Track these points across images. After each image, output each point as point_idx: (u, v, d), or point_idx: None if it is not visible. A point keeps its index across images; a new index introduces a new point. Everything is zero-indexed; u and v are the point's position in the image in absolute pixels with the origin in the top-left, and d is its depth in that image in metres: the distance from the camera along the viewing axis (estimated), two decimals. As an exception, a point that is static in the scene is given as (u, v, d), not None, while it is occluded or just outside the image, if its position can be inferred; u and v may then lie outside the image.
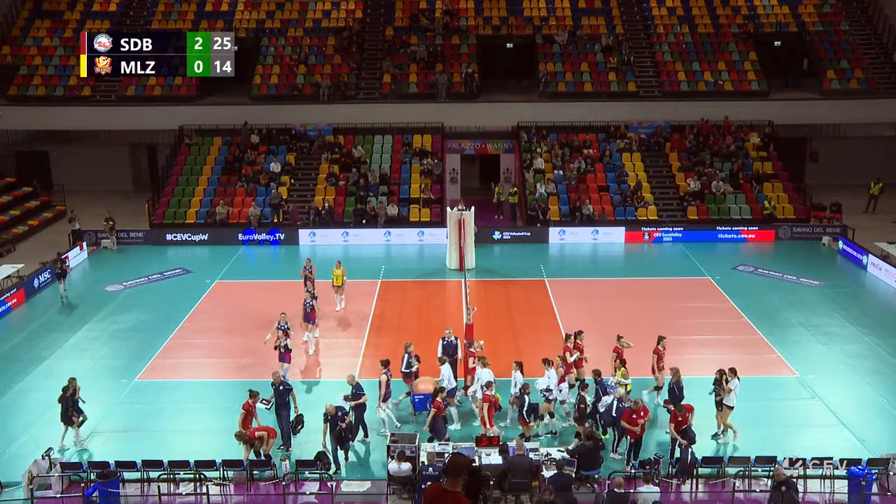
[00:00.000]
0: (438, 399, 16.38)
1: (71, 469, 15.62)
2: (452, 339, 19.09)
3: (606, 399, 16.81)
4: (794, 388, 19.45)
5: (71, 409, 16.83)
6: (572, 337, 18.84)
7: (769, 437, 16.92)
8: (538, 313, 24.53)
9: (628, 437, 16.07)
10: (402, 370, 18.32)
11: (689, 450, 15.47)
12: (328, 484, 15.49)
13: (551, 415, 17.34)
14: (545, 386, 17.20)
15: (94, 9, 41.23)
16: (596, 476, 15.32)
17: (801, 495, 15.24)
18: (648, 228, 32.08)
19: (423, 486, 14.21)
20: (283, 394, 16.65)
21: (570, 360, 18.37)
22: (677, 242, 31.62)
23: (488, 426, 16.57)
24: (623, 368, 17.82)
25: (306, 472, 15.81)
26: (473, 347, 18.60)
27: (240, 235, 31.94)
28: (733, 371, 16.99)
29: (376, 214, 32.46)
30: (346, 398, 16.77)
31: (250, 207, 32.74)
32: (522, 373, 17.47)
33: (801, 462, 15.43)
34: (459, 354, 19.10)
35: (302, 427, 16.65)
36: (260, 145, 36.12)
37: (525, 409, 16.62)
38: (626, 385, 17.44)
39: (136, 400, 19.19)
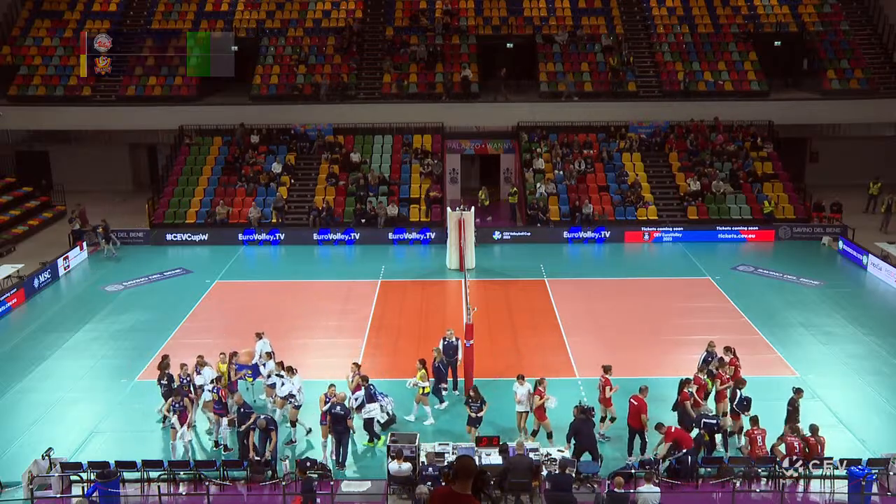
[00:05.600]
0: (686, 391, 16.70)
1: (71, 469, 15.63)
2: (453, 339, 19.10)
3: (371, 406, 16.87)
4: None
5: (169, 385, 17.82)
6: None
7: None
8: (538, 313, 24.53)
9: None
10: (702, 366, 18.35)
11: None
12: (329, 484, 15.50)
13: (294, 423, 17.23)
14: (288, 391, 17.20)
15: (94, 9, 41.23)
16: (596, 474, 15.34)
17: (800, 495, 15.28)
18: (648, 228, 32.08)
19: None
20: (244, 416, 16.43)
21: (538, 403, 17.27)
22: (677, 242, 31.61)
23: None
24: (423, 370, 17.88)
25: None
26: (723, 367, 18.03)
27: (240, 235, 31.95)
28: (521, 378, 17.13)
29: (376, 214, 32.46)
30: (230, 423, 16.74)
31: (250, 208, 32.74)
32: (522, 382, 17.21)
33: (801, 462, 15.44)
34: (460, 355, 19.11)
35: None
36: (260, 145, 36.12)
37: (736, 402, 16.82)
38: (423, 388, 17.59)
39: (136, 400, 19.20)
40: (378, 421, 17.07)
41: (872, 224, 32.44)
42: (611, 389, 17.14)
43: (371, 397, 17.07)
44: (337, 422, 16.26)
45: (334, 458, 16.48)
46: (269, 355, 18.70)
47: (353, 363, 18.05)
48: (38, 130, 38.34)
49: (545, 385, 16.91)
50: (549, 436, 16.55)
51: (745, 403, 16.86)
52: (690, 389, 16.91)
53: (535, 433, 16.88)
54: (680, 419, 16.73)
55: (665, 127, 36.65)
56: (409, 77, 38.04)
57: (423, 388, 17.75)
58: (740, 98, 37.33)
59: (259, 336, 19.41)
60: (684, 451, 15.45)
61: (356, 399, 17.12)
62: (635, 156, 35.47)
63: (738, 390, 17.06)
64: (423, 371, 17.96)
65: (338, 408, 16.25)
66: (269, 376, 18.18)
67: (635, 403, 16.48)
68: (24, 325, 24.18)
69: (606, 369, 17.45)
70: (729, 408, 17.24)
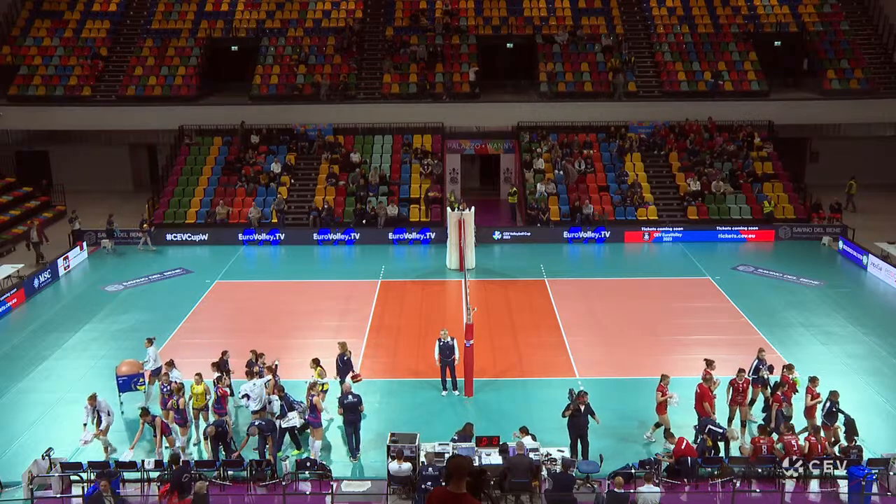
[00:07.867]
0: (779, 394, 16.67)
1: (71, 469, 15.63)
2: (448, 339, 19.08)
3: (291, 414, 16.71)
4: (794, 388, 19.43)
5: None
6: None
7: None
8: (538, 313, 24.53)
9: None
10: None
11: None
12: (329, 484, 15.50)
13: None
14: (244, 393, 17.18)
15: (94, 9, 41.26)
16: (595, 473, 15.34)
17: (800, 495, 15.26)
18: (648, 228, 32.07)
19: (423, 487, 14.23)
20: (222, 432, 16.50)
21: (660, 399, 16.93)
22: (677, 242, 31.61)
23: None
24: (319, 367, 17.86)
25: (306, 473, 15.83)
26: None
27: (240, 235, 31.95)
28: None
29: (376, 215, 32.46)
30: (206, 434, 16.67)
31: (250, 208, 32.73)
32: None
33: (800, 462, 15.43)
34: (456, 355, 19.08)
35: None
36: (260, 145, 36.13)
37: (825, 412, 16.59)
38: (322, 385, 17.57)
39: (137, 400, 19.18)
40: (296, 427, 16.90)
41: (872, 224, 32.45)
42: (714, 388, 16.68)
43: (290, 405, 17.00)
44: (351, 411, 16.55)
45: (349, 446, 16.62)
46: (171, 364, 18.20)
47: (271, 366, 17.82)
48: (38, 130, 38.33)
49: (668, 381, 16.79)
50: (666, 432, 16.18)
51: (837, 414, 16.56)
52: (784, 395, 16.72)
53: (657, 425, 16.90)
54: (768, 422, 16.74)
55: (662, 127, 36.63)
56: (408, 77, 38.07)
57: (322, 385, 17.62)
58: (740, 98, 37.34)
59: (150, 342, 19.39)
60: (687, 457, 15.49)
61: (273, 403, 17.02)
62: (635, 156, 35.47)
63: (829, 402, 16.59)
64: (320, 369, 17.92)
65: (349, 397, 16.60)
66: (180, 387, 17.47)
67: (699, 391, 16.66)
68: (24, 325, 24.17)
69: (709, 363, 17.14)
70: (819, 421, 16.77)
